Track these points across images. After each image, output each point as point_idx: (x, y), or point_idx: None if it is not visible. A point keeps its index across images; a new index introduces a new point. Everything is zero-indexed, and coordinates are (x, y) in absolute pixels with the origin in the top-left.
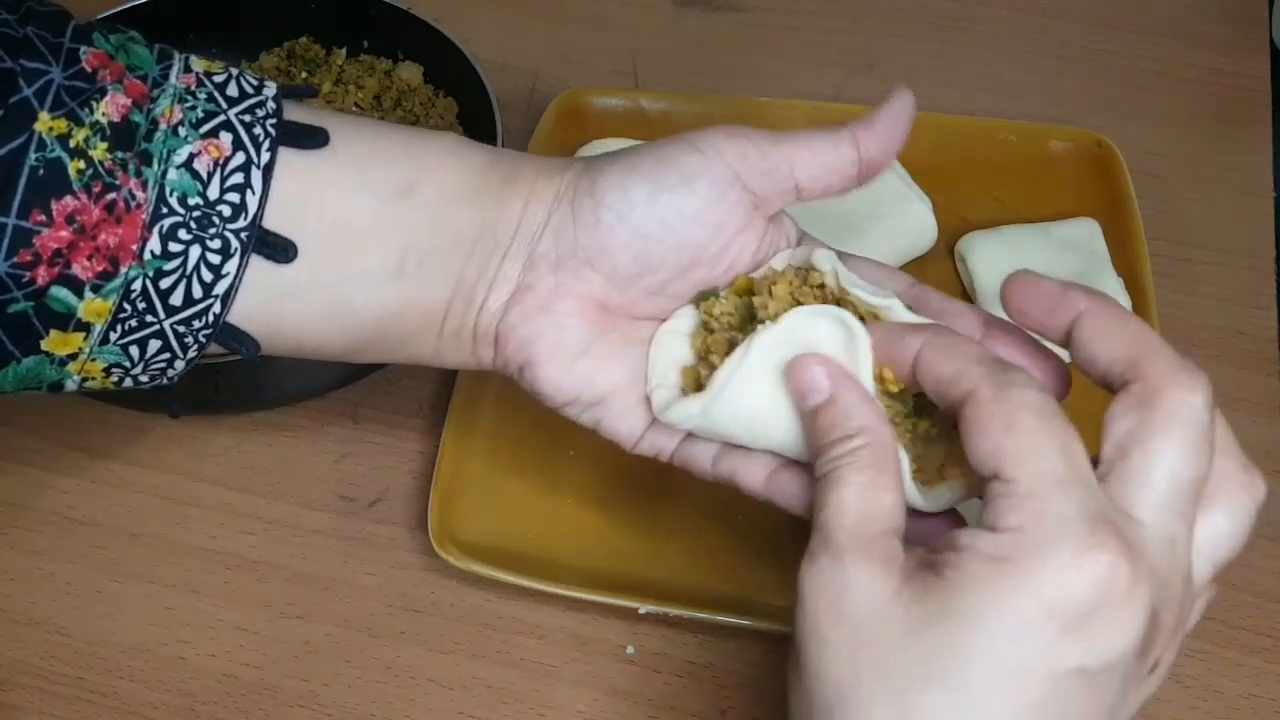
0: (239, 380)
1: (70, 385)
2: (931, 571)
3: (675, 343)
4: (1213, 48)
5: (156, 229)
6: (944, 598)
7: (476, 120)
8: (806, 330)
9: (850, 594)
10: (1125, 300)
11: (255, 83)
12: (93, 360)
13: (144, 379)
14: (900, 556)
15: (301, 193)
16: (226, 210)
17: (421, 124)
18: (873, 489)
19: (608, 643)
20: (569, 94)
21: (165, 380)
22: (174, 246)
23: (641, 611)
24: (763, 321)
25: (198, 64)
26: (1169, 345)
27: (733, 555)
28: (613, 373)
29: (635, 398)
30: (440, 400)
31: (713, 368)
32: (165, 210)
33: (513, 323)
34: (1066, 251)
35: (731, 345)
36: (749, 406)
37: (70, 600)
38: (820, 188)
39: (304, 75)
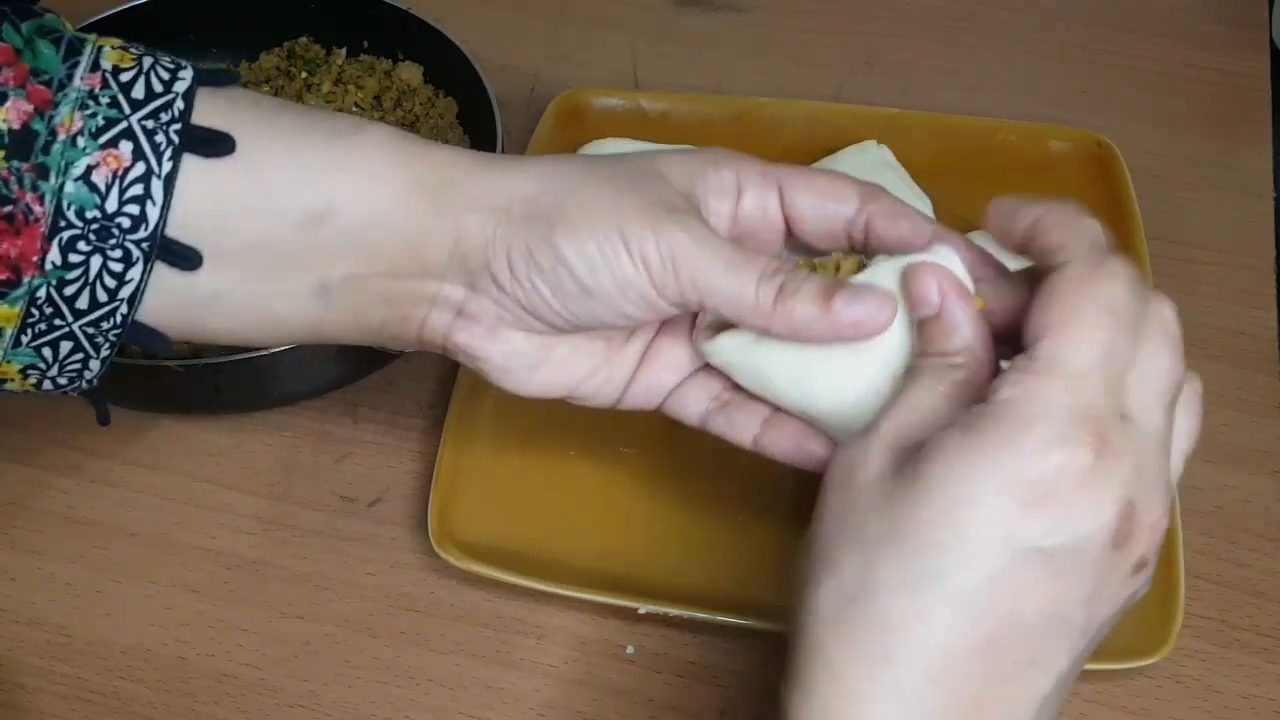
0: (239, 380)
1: None
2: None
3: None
4: (1213, 48)
5: (56, 241)
6: (918, 464)
7: (476, 120)
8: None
9: (860, 468)
10: None
11: (167, 77)
12: (7, 363)
13: (62, 380)
14: None
15: (207, 206)
16: (126, 222)
17: (421, 124)
18: (944, 400)
19: (608, 643)
20: (569, 94)
21: (84, 383)
22: (74, 257)
23: (641, 611)
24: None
25: (108, 58)
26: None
27: (733, 555)
28: (570, 372)
29: (602, 379)
30: (440, 400)
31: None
32: (64, 223)
33: (460, 343)
34: None
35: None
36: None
37: (70, 600)
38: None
39: (304, 75)
